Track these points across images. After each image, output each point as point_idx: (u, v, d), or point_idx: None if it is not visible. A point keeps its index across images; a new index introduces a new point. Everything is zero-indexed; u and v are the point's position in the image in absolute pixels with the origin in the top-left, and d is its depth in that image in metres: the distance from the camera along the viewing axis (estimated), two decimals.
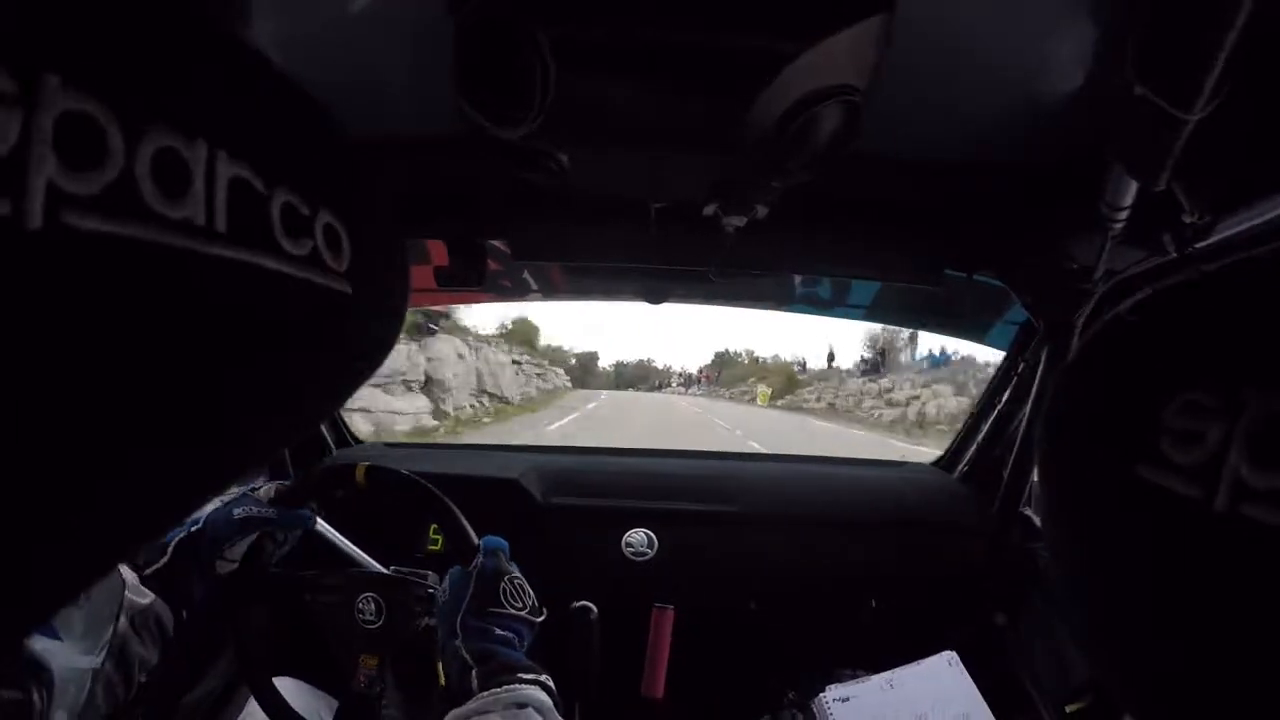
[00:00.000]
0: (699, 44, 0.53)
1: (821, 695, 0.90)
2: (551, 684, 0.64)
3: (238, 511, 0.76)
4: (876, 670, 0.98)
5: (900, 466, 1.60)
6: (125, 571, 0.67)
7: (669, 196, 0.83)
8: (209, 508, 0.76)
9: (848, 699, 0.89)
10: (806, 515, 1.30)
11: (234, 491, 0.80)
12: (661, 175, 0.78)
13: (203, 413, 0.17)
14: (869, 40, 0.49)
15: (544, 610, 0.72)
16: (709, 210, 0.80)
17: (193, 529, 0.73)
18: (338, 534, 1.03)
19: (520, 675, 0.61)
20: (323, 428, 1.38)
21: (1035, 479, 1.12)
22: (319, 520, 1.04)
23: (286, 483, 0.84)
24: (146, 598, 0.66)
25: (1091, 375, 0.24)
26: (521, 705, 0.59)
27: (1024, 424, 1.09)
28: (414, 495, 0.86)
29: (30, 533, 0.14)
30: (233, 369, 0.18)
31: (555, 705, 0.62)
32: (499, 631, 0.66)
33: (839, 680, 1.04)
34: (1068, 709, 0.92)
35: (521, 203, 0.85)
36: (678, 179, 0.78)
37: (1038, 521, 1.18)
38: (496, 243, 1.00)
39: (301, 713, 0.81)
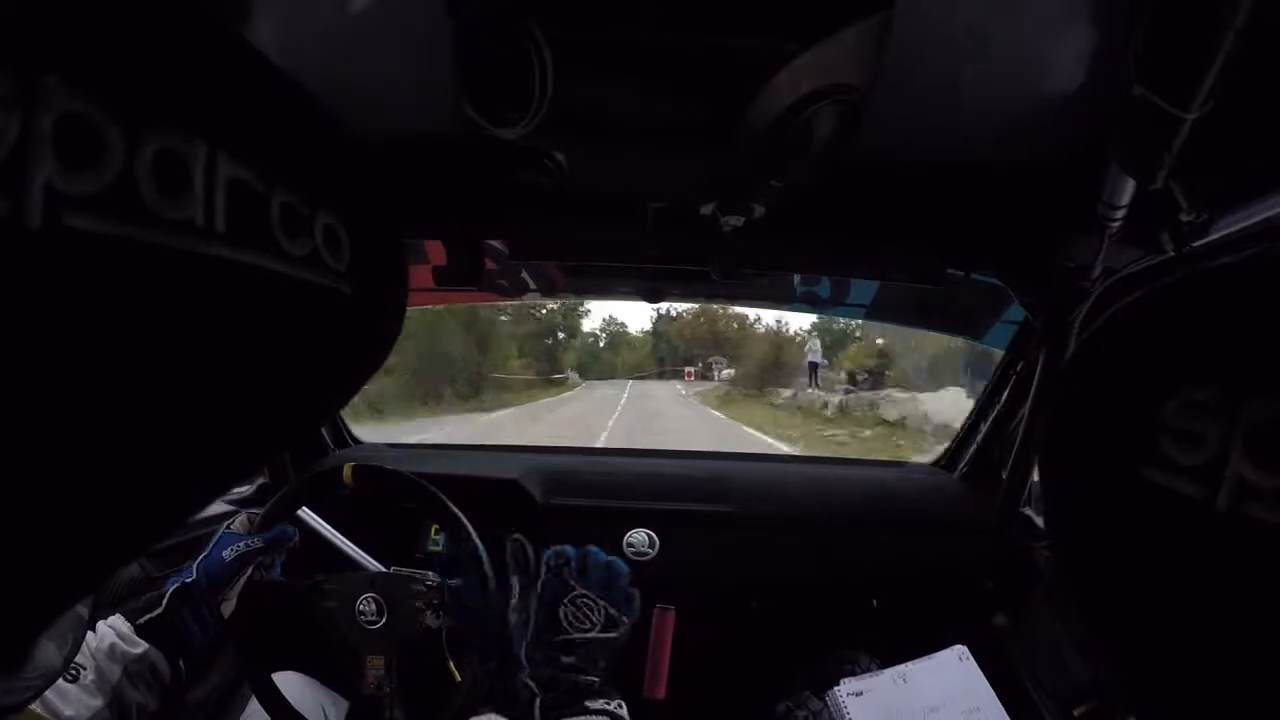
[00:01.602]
0: (697, 44, 0.53)
1: (836, 690, 0.90)
2: (624, 712, 0.61)
3: (227, 553, 0.77)
4: (882, 656, 0.98)
5: (901, 467, 1.60)
6: (119, 621, 0.68)
7: (667, 196, 0.82)
8: (199, 559, 0.76)
9: (861, 693, 0.89)
10: (807, 515, 1.30)
11: (216, 533, 0.81)
12: (659, 175, 0.78)
13: (203, 413, 0.17)
14: (868, 40, 0.49)
15: (623, 620, 0.65)
16: (707, 210, 0.80)
17: (187, 580, 0.73)
18: (338, 535, 1.03)
19: (587, 705, 0.59)
20: (322, 428, 1.38)
21: (1035, 479, 1.12)
22: (320, 522, 1.04)
23: (257, 511, 0.84)
24: (140, 647, 0.67)
25: (1090, 375, 0.24)
26: None
27: (1023, 423, 1.09)
28: (404, 491, 0.86)
29: (31, 533, 0.14)
30: (232, 369, 0.18)
31: None
32: (566, 660, 0.61)
33: (848, 663, 1.04)
34: (1075, 712, 0.92)
35: (520, 202, 0.85)
36: (676, 178, 0.78)
37: (1038, 521, 1.18)
38: (494, 242, 1.00)
39: (303, 709, 0.82)
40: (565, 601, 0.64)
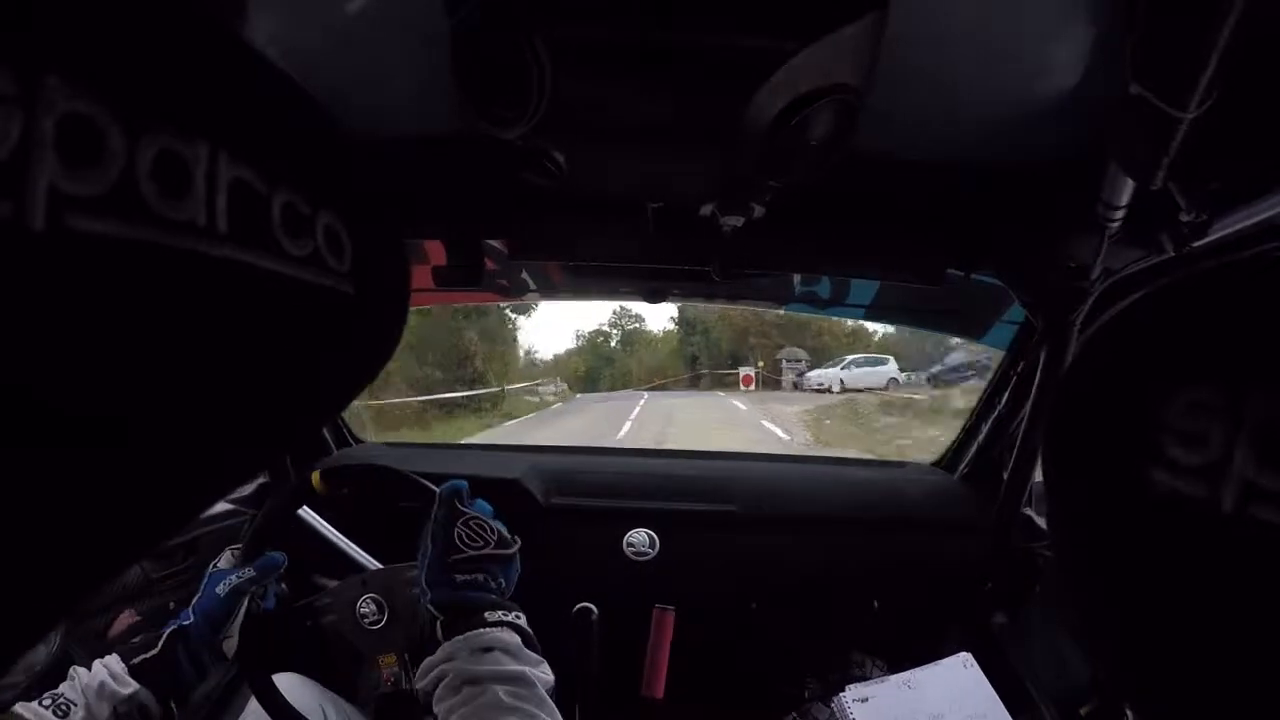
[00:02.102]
0: (697, 44, 0.53)
1: (841, 695, 0.90)
2: (522, 620, 0.63)
3: (220, 589, 0.76)
4: (882, 656, 0.98)
5: (901, 467, 1.60)
6: (114, 661, 0.68)
7: (667, 196, 0.83)
8: (194, 600, 0.76)
9: (866, 699, 0.90)
10: (808, 516, 1.30)
11: (205, 575, 0.80)
12: (659, 175, 0.78)
13: (204, 415, 0.17)
14: (864, 39, 0.50)
15: (516, 539, 0.70)
16: (706, 210, 0.80)
17: (185, 622, 0.73)
18: (339, 535, 1.03)
19: (485, 617, 0.61)
20: (324, 428, 1.38)
21: (1036, 479, 1.12)
22: (321, 523, 1.04)
23: (237, 546, 0.84)
24: (130, 687, 0.67)
25: (1092, 375, 0.24)
26: (487, 649, 0.58)
27: (1024, 424, 1.09)
28: (369, 480, 0.86)
29: (34, 533, 0.14)
30: (235, 370, 0.18)
31: (527, 639, 0.62)
32: (462, 578, 0.64)
33: (855, 667, 1.04)
34: (1082, 711, 0.92)
35: (520, 203, 0.85)
36: (675, 179, 0.78)
37: (1039, 522, 1.18)
38: (494, 242, 1.00)
39: (303, 710, 0.82)
40: (459, 524, 0.67)
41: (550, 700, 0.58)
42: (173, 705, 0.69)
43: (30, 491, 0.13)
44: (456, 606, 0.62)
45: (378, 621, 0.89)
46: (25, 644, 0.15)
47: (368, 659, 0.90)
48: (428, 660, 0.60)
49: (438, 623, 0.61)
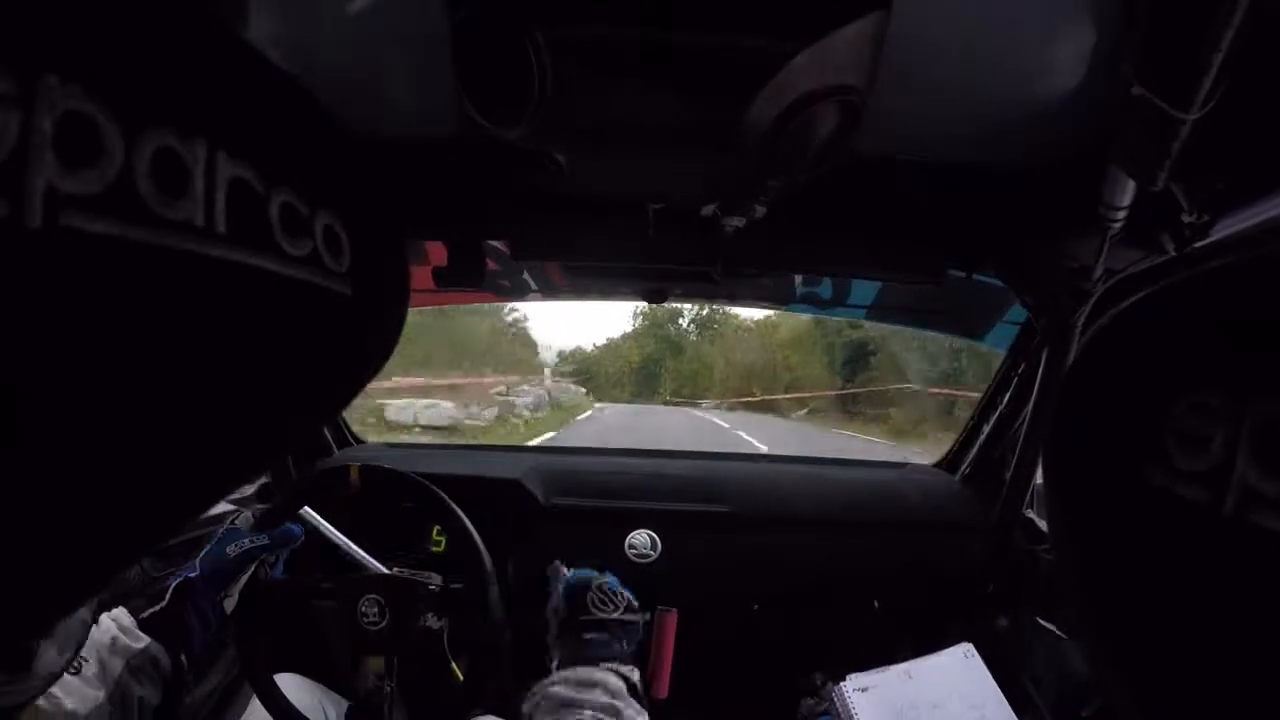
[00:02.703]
0: (697, 44, 0.53)
1: (841, 685, 0.90)
2: (635, 677, 0.66)
3: (231, 549, 0.77)
4: (883, 657, 0.98)
5: (902, 468, 1.60)
6: (123, 615, 0.69)
7: (667, 197, 0.83)
8: (202, 552, 0.77)
9: (866, 689, 0.89)
10: (809, 516, 1.30)
11: (221, 528, 0.81)
12: (660, 175, 0.78)
13: (203, 415, 0.17)
14: (866, 39, 0.50)
15: (639, 610, 0.74)
16: (707, 210, 0.80)
17: (190, 575, 0.74)
18: (340, 535, 1.03)
19: (601, 662, 0.64)
20: (325, 428, 1.38)
21: (1038, 481, 1.11)
22: (321, 522, 1.04)
23: (261, 508, 0.85)
24: (142, 641, 0.67)
25: (1094, 377, 0.24)
26: (593, 684, 0.61)
27: (1025, 425, 1.09)
28: (411, 493, 0.86)
29: (35, 533, 0.14)
30: (233, 371, 0.18)
31: (635, 694, 0.64)
32: (589, 636, 0.68)
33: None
34: (1083, 713, 0.92)
35: (520, 203, 0.85)
36: (676, 179, 0.78)
37: (1040, 524, 1.18)
38: (495, 243, 1.00)
39: (304, 711, 0.82)
40: (593, 588, 0.72)
41: None
42: (183, 659, 0.70)
43: (28, 491, 0.13)
44: (578, 652, 0.66)
45: (376, 623, 0.89)
46: (33, 638, 0.15)
47: (355, 657, 0.90)
48: (535, 686, 0.63)
49: (554, 663, 0.65)
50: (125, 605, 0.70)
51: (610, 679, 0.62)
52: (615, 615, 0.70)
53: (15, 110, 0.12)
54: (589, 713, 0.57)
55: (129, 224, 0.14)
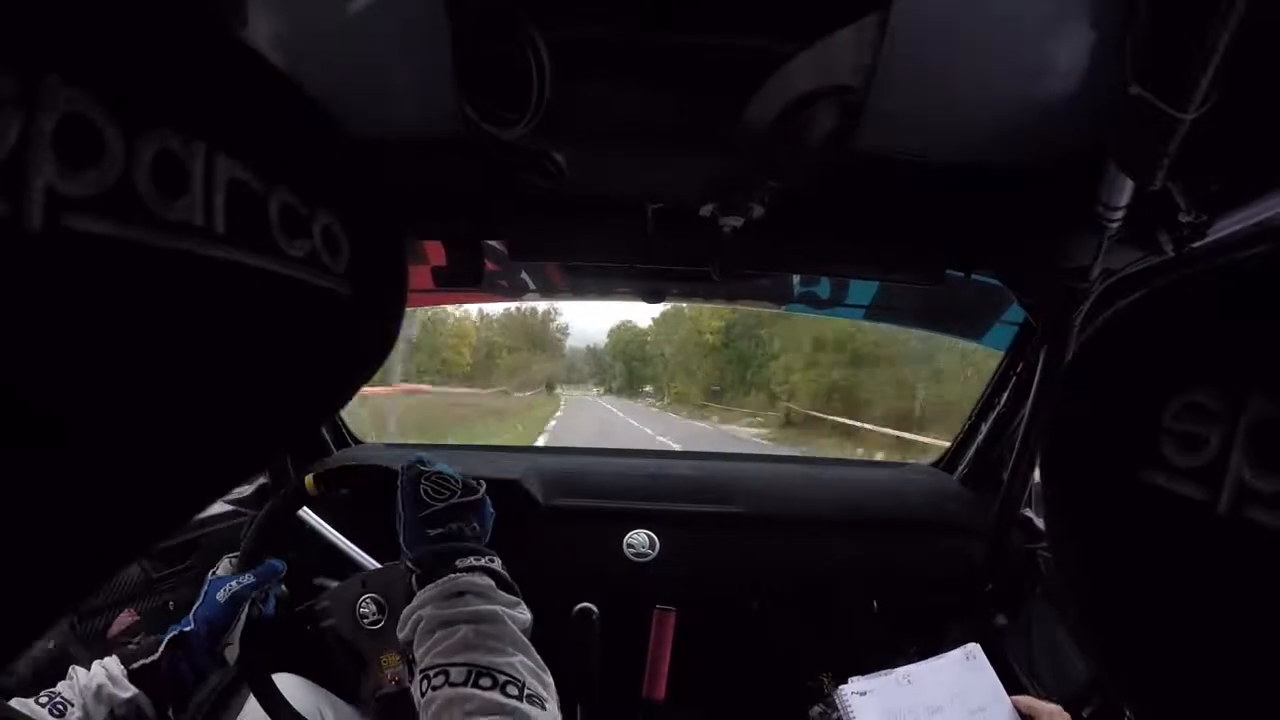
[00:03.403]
0: (695, 44, 0.53)
1: (841, 688, 0.90)
2: (496, 564, 0.64)
3: (220, 595, 0.76)
4: (883, 657, 0.98)
5: (901, 467, 1.60)
6: (113, 663, 0.69)
7: (666, 197, 0.83)
8: (194, 608, 0.77)
9: (865, 693, 0.89)
10: (808, 516, 1.30)
11: (205, 582, 0.80)
12: (658, 175, 0.78)
13: (203, 414, 0.17)
14: (864, 40, 0.50)
15: (480, 482, 0.71)
16: (706, 210, 0.80)
17: (185, 628, 0.74)
18: (339, 535, 1.03)
19: (456, 565, 0.62)
20: (323, 428, 1.38)
21: (1036, 480, 1.12)
22: (320, 523, 1.04)
23: (235, 555, 0.84)
24: (128, 691, 0.67)
25: (1091, 376, 0.24)
26: (459, 593, 0.59)
27: (1023, 424, 1.10)
28: (362, 479, 0.87)
29: (33, 533, 0.14)
30: (231, 371, 0.18)
31: (501, 581, 0.62)
32: (435, 532, 0.65)
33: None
34: (1084, 713, 0.92)
35: (519, 203, 0.85)
36: (675, 179, 0.78)
37: (1038, 523, 1.18)
38: (494, 243, 1.00)
39: (302, 711, 0.81)
40: (423, 482, 0.68)
41: (525, 638, 0.58)
42: (170, 713, 0.70)
43: (26, 491, 0.13)
44: (432, 560, 0.63)
45: (378, 622, 0.89)
46: (29, 639, 0.15)
47: (370, 660, 0.89)
48: (405, 610, 0.60)
49: (413, 576, 0.62)
50: (118, 653, 0.70)
51: (475, 579, 0.60)
52: (455, 500, 0.67)
53: (17, 111, 0.12)
54: (469, 628, 0.56)
55: (129, 225, 0.14)
